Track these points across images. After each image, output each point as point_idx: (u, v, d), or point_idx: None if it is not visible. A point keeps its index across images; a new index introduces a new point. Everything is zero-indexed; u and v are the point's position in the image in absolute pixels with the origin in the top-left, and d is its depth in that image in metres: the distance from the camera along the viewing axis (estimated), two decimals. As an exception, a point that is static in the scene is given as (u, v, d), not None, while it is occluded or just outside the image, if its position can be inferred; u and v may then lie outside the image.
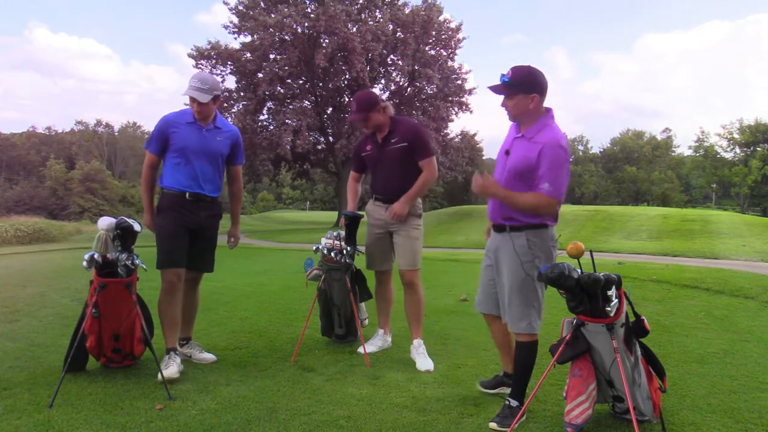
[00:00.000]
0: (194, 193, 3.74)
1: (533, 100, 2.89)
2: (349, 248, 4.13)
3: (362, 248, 4.28)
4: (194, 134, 3.74)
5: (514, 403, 2.99)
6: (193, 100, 3.67)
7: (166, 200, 3.77)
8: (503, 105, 2.98)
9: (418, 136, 3.99)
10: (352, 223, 4.19)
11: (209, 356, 3.97)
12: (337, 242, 4.15)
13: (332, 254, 4.11)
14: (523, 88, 2.89)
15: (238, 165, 4.08)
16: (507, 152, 3.02)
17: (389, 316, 4.42)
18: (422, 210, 4.15)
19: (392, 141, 3.99)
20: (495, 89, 2.98)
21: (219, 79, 30.46)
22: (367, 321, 4.58)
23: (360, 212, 4.23)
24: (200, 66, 29.45)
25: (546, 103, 2.99)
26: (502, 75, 2.93)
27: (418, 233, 4.09)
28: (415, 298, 4.10)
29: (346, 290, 4.16)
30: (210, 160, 3.80)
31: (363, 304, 4.48)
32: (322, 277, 4.21)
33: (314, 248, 4.27)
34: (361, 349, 4.11)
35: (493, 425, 2.89)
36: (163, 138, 3.74)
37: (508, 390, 3.24)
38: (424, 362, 3.90)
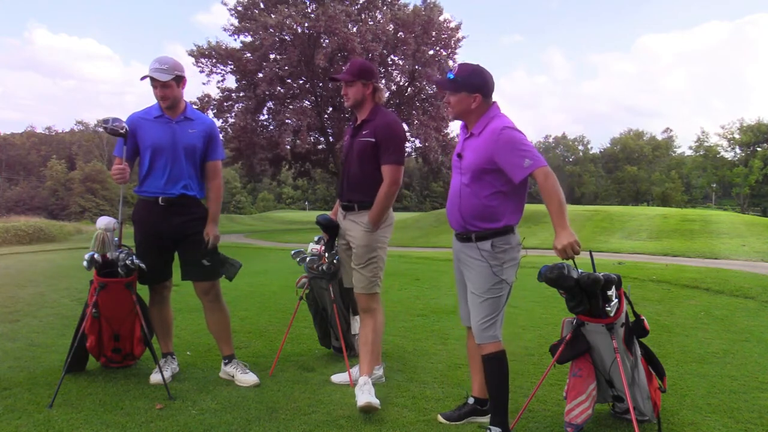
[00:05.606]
0: (167, 198, 3.44)
1: (475, 100, 2.78)
2: (327, 255, 3.73)
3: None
4: (163, 128, 3.42)
5: (497, 431, 2.75)
6: (154, 85, 3.34)
7: (137, 210, 3.55)
8: (446, 101, 2.88)
9: (389, 135, 3.33)
10: (328, 230, 3.64)
11: (252, 378, 3.53)
12: (323, 247, 3.80)
13: (313, 264, 3.80)
14: (468, 86, 2.78)
15: (215, 160, 3.60)
16: (459, 156, 2.86)
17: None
18: (393, 218, 3.49)
19: (363, 132, 3.37)
20: (440, 84, 2.90)
21: (218, 78, 30.49)
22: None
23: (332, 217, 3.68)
24: (200, 65, 29.46)
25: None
26: (449, 71, 2.85)
27: (381, 250, 3.42)
28: (371, 328, 3.43)
29: (329, 300, 3.87)
30: (183, 155, 3.44)
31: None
32: (306, 285, 3.95)
33: (292, 253, 3.99)
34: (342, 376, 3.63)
35: None
36: (131, 138, 3.42)
37: (480, 419, 3.00)
38: (365, 397, 3.09)
